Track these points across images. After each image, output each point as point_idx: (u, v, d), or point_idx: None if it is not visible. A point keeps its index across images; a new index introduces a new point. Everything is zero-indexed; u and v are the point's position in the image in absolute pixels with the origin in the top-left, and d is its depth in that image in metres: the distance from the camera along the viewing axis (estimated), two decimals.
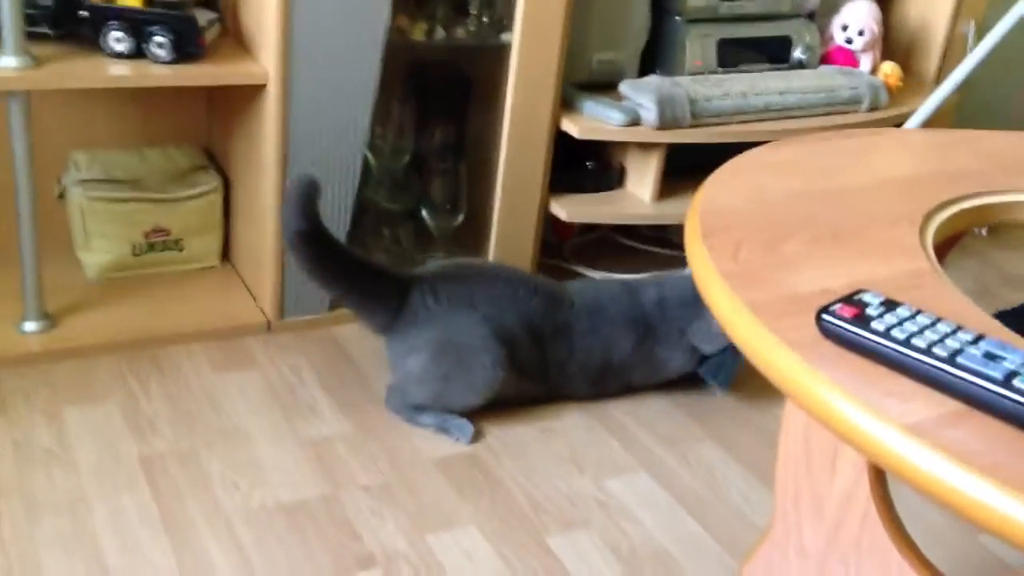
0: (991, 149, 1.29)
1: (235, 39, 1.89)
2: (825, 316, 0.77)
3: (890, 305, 0.79)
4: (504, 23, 1.96)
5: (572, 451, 1.71)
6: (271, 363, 1.84)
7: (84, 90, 1.98)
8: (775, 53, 2.29)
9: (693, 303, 1.80)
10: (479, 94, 2.10)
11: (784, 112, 2.12)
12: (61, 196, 1.98)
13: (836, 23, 2.34)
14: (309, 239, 1.61)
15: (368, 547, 1.44)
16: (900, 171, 1.17)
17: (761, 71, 2.24)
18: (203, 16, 1.79)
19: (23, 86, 1.62)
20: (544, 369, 1.75)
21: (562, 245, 2.34)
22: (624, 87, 2.04)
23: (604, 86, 2.13)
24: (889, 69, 2.33)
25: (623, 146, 2.14)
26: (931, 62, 2.45)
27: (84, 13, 1.70)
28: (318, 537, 1.45)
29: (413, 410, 1.72)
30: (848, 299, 0.79)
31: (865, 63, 2.34)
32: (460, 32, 1.96)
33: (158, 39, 1.69)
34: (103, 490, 1.49)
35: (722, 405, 1.88)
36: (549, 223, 2.15)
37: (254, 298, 1.99)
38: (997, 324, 0.83)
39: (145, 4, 1.71)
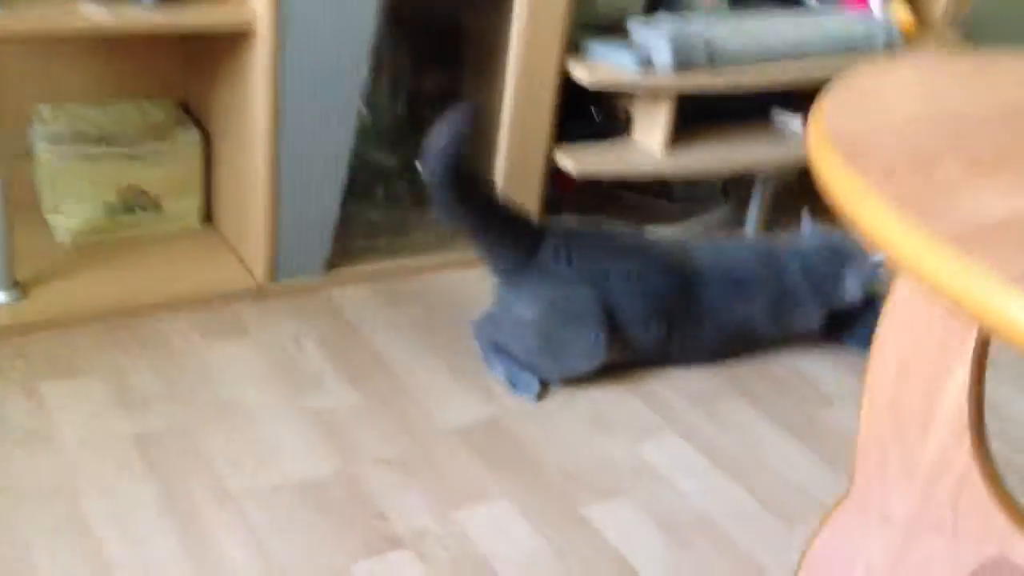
0: None
1: None
2: None
3: None
4: None
5: (598, 414, 1.59)
6: (265, 331, 1.70)
7: (49, 36, 1.81)
8: None
9: (832, 259, 1.77)
10: (479, 37, 1.96)
11: (801, 55, 2.01)
12: (26, 154, 1.81)
13: None
14: (457, 174, 1.52)
15: (393, 526, 1.32)
16: None
17: (772, 12, 2.13)
18: None
19: None
20: (666, 347, 1.68)
21: (562, 198, 2.21)
22: (634, 28, 1.91)
23: (609, 29, 2.00)
24: (902, 10, 2.23)
25: (629, 93, 2.01)
26: (938, 3, 2.35)
27: None
28: (338, 517, 1.32)
29: (494, 348, 1.64)
30: None
31: (876, 4, 2.23)
32: None
33: None
34: (95, 473, 1.34)
35: (744, 360, 1.77)
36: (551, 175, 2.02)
37: (242, 261, 1.84)
38: None
39: None
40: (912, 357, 0.99)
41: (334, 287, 1.84)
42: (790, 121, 2.20)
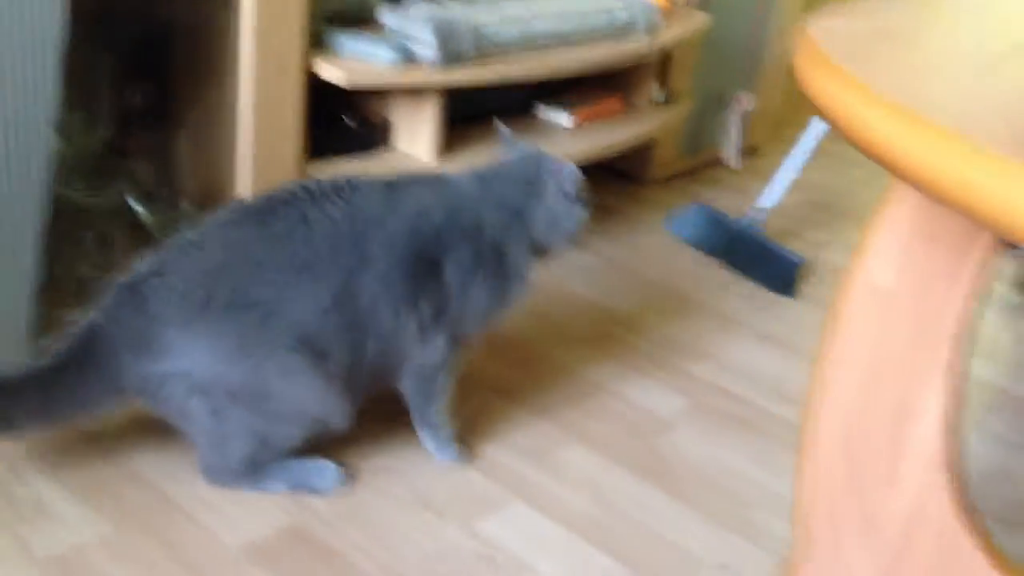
0: None
1: None
2: None
3: None
4: None
5: (421, 493, 1.29)
6: None
7: None
8: None
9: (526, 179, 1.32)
10: (195, 37, 1.58)
11: (565, 38, 1.80)
12: None
13: None
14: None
15: None
16: None
17: None
18: None
19: None
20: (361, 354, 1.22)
21: None
22: (389, 18, 1.62)
23: (354, 20, 1.69)
24: None
25: (385, 95, 1.72)
26: None
27: None
28: None
29: (243, 473, 1.23)
30: None
31: None
32: None
33: None
34: None
35: (561, 393, 1.54)
36: None
37: None
38: None
39: None
40: (871, 379, 0.79)
41: None
42: (555, 115, 2.00)
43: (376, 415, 1.34)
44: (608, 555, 1.23)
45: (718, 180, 2.52)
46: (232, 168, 1.56)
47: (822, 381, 0.74)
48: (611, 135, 2.00)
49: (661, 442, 1.46)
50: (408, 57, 1.58)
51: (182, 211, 1.60)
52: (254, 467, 1.22)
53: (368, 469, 1.31)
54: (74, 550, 1.11)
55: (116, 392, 1.18)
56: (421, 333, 1.25)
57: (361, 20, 1.70)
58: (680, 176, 2.50)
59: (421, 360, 1.28)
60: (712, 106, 2.49)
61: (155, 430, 1.32)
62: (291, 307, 1.16)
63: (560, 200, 1.31)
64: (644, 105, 2.17)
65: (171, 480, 1.24)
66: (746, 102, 2.52)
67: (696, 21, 2.15)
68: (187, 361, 1.15)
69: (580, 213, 1.34)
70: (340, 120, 1.69)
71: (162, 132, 1.59)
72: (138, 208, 1.58)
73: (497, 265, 1.29)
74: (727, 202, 2.29)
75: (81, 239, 1.57)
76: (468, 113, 1.85)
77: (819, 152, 2.06)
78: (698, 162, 2.56)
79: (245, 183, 1.54)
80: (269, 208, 1.21)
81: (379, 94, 1.72)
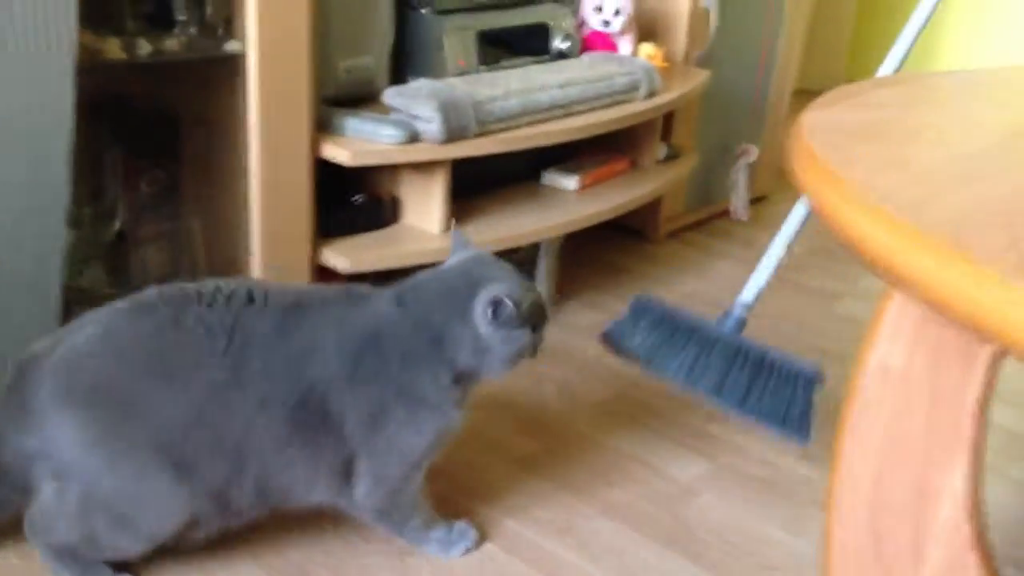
0: None
1: None
2: None
3: None
4: (224, 29, 1.48)
5: (441, 572, 1.28)
6: None
7: None
8: (535, 44, 1.99)
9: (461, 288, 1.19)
10: (201, 123, 1.60)
11: (567, 108, 1.82)
12: None
13: (588, 5, 2.09)
14: None
15: None
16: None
17: (524, 65, 1.94)
18: None
19: None
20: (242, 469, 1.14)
21: None
22: (391, 97, 1.64)
23: (354, 101, 1.72)
24: (652, 50, 2.12)
25: (393, 172, 1.74)
26: (678, 40, 2.27)
27: None
28: None
29: (54, 552, 1.17)
30: None
31: (625, 46, 2.11)
32: (171, 44, 1.46)
33: None
34: None
35: (582, 461, 1.53)
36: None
37: None
38: None
39: None
40: (891, 460, 0.78)
41: None
42: (562, 180, 2.02)
43: None
44: None
45: (727, 232, 2.52)
46: (245, 251, 1.57)
47: (842, 460, 0.74)
48: (618, 195, 2.01)
49: (685, 508, 1.45)
50: (413, 134, 1.60)
51: None
52: (68, 556, 1.17)
53: (388, 550, 1.30)
54: None
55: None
56: (334, 486, 1.18)
57: (367, 100, 1.73)
58: (688, 230, 2.51)
59: (360, 506, 1.22)
60: (717, 158, 2.50)
61: None
62: (154, 412, 1.10)
63: (492, 327, 1.16)
64: (649, 163, 2.19)
65: None
66: (751, 153, 2.53)
67: (697, 78, 2.17)
68: (51, 444, 1.11)
69: (520, 338, 1.18)
70: (350, 199, 1.71)
71: (174, 219, 1.61)
72: None
73: (410, 402, 1.17)
74: (739, 254, 2.30)
75: None
76: (474, 184, 1.87)
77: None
78: (705, 215, 2.57)
79: (258, 265, 1.56)
80: (149, 304, 1.15)
81: (388, 172, 1.74)
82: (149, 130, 1.64)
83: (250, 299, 1.15)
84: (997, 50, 3.67)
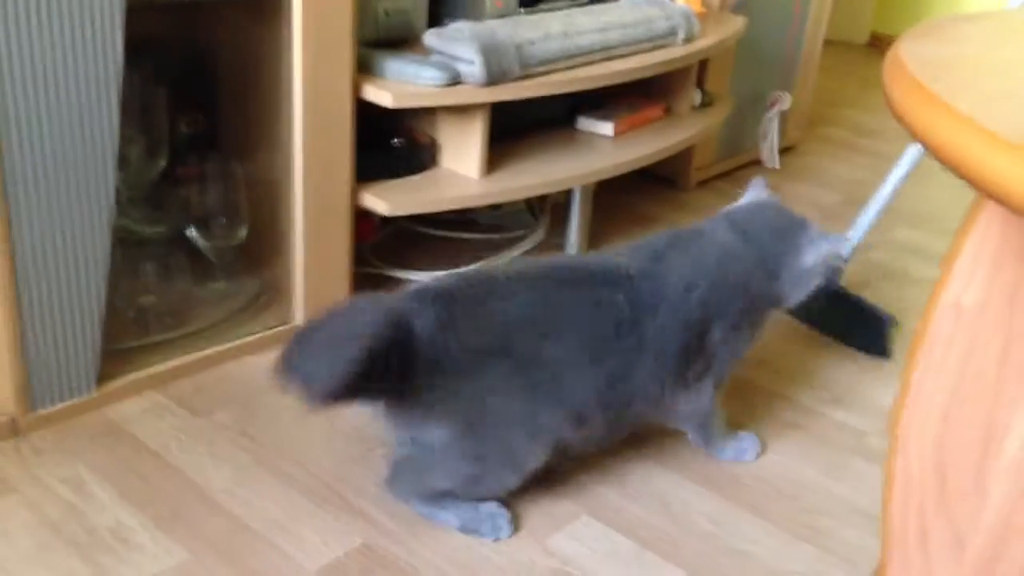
0: None
1: None
2: None
3: None
4: None
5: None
6: (34, 479, 1.27)
7: None
8: None
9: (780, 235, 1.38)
10: (243, 65, 1.60)
11: (607, 52, 1.81)
12: None
13: None
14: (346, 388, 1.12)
15: None
16: None
17: (562, 8, 1.92)
18: None
19: None
20: (613, 403, 1.28)
21: (362, 247, 1.89)
22: (432, 39, 1.63)
23: (392, 43, 1.71)
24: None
25: (431, 115, 1.73)
26: None
27: None
28: None
29: (431, 500, 1.25)
30: None
31: None
32: None
33: None
34: None
35: None
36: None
37: None
38: None
39: None
40: (960, 398, 0.79)
41: (112, 404, 1.42)
42: (598, 125, 2.01)
43: None
44: (681, 568, 1.23)
45: None
46: (287, 193, 1.58)
47: (909, 402, 0.74)
48: (652, 142, 2.00)
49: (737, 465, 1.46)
50: (454, 77, 1.59)
51: (239, 237, 1.62)
52: (443, 499, 1.25)
53: None
54: None
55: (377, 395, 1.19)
56: (688, 391, 1.33)
57: (405, 42, 1.72)
58: (718, 178, 2.50)
59: (693, 409, 1.37)
60: (749, 107, 2.49)
61: (227, 456, 1.34)
62: (570, 380, 1.22)
63: (812, 268, 1.37)
64: (684, 110, 2.18)
65: (245, 505, 1.26)
66: (784, 101, 2.51)
67: (734, 25, 2.15)
68: (448, 396, 1.18)
69: (819, 281, 1.39)
70: (388, 142, 1.71)
71: (216, 160, 1.61)
72: (195, 236, 1.60)
73: (752, 318, 1.37)
74: None
75: (140, 269, 1.60)
76: (510, 128, 1.86)
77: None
78: (736, 164, 2.56)
79: (299, 208, 1.56)
80: (574, 279, 1.26)
81: (426, 115, 1.73)
82: (192, 71, 1.63)
83: (629, 275, 1.28)
84: None
